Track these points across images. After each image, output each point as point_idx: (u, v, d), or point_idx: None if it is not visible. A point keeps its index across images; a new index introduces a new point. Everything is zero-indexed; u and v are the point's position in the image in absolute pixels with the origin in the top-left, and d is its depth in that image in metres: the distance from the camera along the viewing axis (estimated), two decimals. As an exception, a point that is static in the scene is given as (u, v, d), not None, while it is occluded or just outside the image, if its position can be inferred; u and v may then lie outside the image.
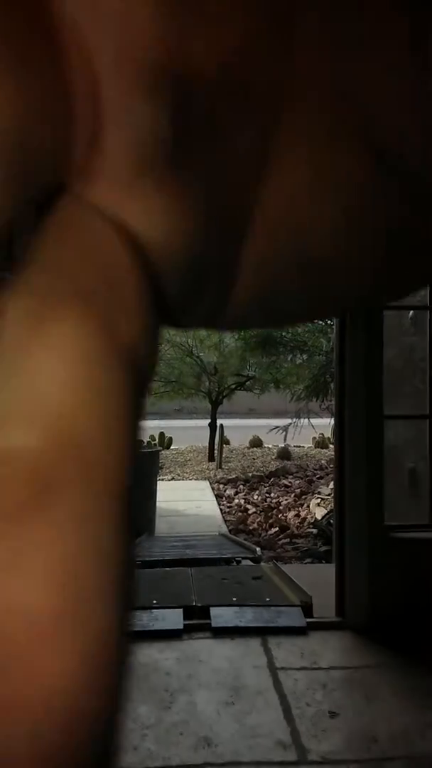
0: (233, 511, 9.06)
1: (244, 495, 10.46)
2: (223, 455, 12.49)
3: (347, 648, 2.37)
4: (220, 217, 0.12)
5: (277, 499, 10.05)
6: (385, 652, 2.31)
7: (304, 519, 8.43)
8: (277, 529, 8.06)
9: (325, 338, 8.25)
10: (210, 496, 10.11)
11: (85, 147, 0.10)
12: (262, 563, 3.68)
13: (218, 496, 10.19)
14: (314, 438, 14.06)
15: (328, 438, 14.44)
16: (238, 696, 1.99)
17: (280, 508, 9.31)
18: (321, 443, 14.30)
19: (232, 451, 13.93)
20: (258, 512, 9.09)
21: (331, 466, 13.56)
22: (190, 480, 11.54)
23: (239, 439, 15.36)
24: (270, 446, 15.03)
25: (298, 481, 11.55)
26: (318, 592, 2.83)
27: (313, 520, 8.22)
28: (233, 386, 13.39)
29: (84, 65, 0.10)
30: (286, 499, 9.95)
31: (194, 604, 2.63)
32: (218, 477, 11.54)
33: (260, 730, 1.80)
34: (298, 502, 9.66)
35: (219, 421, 13.16)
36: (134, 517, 0.10)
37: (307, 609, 2.64)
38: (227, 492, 10.60)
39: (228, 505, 9.61)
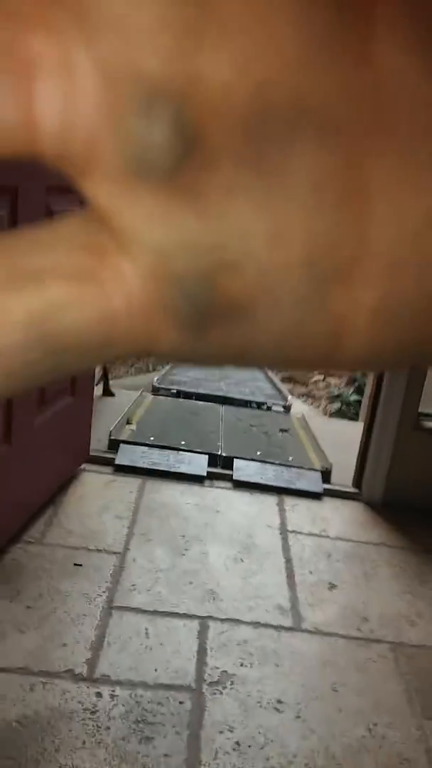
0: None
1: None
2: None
3: (357, 521, 2.48)
4: (294, 253, 0.11)
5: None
6: (392, 533, 2.42)
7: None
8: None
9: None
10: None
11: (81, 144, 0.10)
12: (291, 413, 3.75)
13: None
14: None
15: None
16: (248, 553, 2.14)
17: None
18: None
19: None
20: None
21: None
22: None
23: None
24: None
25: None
26: (339, 457, 2.92)
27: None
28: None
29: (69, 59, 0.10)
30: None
31: (220, 453, 2.74)
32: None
33: (263, 592, 1.95)
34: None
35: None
36: None
37: (326, 475, 2.73)
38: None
39: None
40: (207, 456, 2.70)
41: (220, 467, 2.70)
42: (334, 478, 2.73)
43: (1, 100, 0.10)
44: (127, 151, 0.10)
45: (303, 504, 2.54)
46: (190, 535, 2.20)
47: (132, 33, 0.09)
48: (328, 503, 2.58)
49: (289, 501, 2.54)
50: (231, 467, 2.68)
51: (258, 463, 2.72)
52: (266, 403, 3.91)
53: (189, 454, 2.70)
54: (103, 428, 2.76)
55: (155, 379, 4.07)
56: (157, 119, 0.10)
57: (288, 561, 2.14)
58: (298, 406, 6.03)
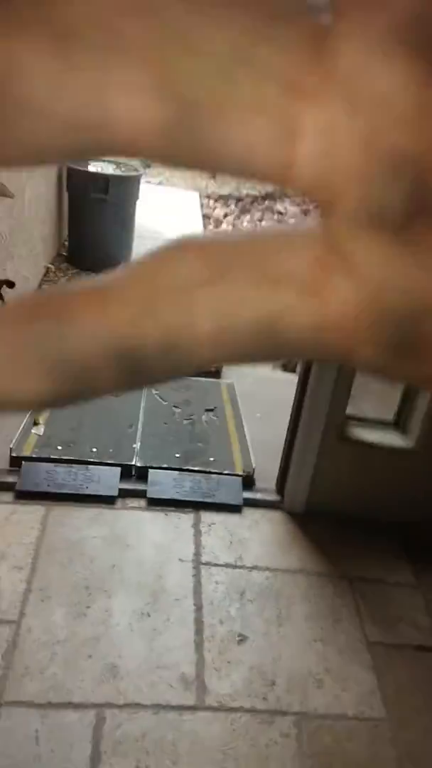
0: (217, 241, 8.68)
1: (234, 218, 9.94)
2: (220, 160, 11.49)
3: (277, 539, 2.38)
4: None
5: (265, 230, 9.62)
6: (312, 554, 2.33)
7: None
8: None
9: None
10: (197, 215, 9.59)
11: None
12: (221, 381, 3.55)
13: (206, 217, 9.68)
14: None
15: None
16: (156, 603, 2.03)
17: (267, 243, 8.95)
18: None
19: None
20: (243, 245, 8.75)
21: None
22: (180, 188, 10.79)
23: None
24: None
25: (293, 209, 10.95)
26: (267, 434, 2.79)
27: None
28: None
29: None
30: (275, 232, 9.54)
31: (134, 462, 2.56)
32: (210, 190, 10.80)
33: (167, 659, 1.86)
34: (287, 238, 9.28)
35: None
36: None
37: (248, 480, 2.60)
38: (216, 212, 10.04)
39: (214, 230, 9.16)
40: (120, 469, 2.52)
41: (135, 479, 2.53)
42: (260, 459, 2.61)
43: (272, 143, 0.12)
44: (369, 205, 0.12)
45: (221, 521, 2.41)
46: (95, 584, 2.06)
47: (393, 112, 0.12)
48: (248, 516, 2.47)
49: (207, 517, 2.41)
50: (146, 478, 2.52)
51: (176, 473, 2.55)
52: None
53: (100, 468, 2.51)
54: (3, 432, 2.54)
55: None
56: (399, 184, 0.12)
57: (198, 608, 2.04)
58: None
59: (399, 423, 2.49)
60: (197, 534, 2.33)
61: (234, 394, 3.37)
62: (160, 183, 10.84)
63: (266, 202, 10.99)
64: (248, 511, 2.49)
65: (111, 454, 2.60)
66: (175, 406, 3.13)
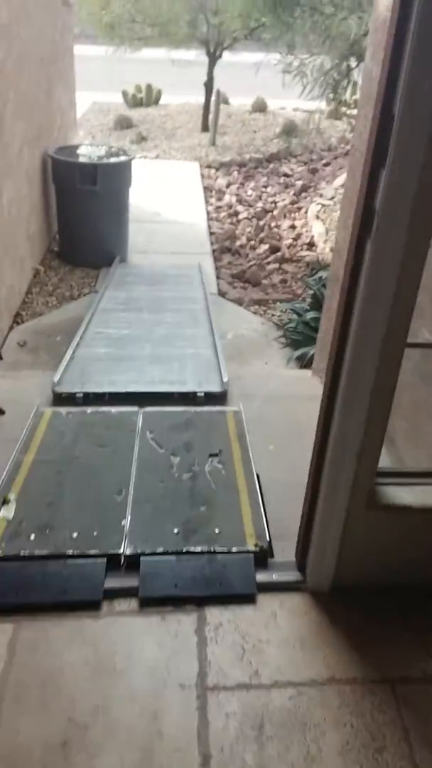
0: (221, 217, 8.09)
1: (237, 188, 9.30)
2: (219, 123, 10.79)
3: (300, 635, 1.93)
4: None
5: (273, 198, 8.97)
6: (343, 649, 1.88)
7: (299, 236, 7.55)
8: (267, 247, 7.26)
9: (357, 20, 6.18)
10: (198, 188, 8.97)
11: None
12: (226, 408, 3.07)
13: (207, 189, 9.06)
14: (328, 109, 12.05)
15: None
16: (151, 761, 1.61)
17: (275, 214, 8.32)
18: (334, 114, 12.39)
19: (230, 117, 12.11)
20: (249, 218, 8.14)
21: (342, 146, 11.94)
22: (178, 160, 10.14)
23: (241, 103, 13.23)
24: (276, 111, 13.08)
25: (300, 169, 10.25)
26: (285, 447, 2.34)
27: (308, 241, 7.37)
28: (238, 32, 10.81)
29: None
30: (283, 198, 8.88)
31: (122, 550, 2.12)
32: (210, 159, 10.13)
33: None
34: (296, 205, 8.62)
35: (216, 85, 11.03)
36: None
37: (262, 554, 2.15)
38: (218, 182, 9.40)
39: (217, 204, 8.57)
40: (105, 560, 2.08)
41: (124, 571, 2.09)
42: (275, 511, 2.15)
43: None
44: None
45: (230, 619, 1.97)
46: (75, 739, 1.64)
47: None
48: (264, 607, 2.02)
49: (213, 616, 1.97)
50: (137, 568, 2.08)
51: (173, 558, 2.11)
52: (196, 393, 3.20)
53: (81, 561, 2.08)
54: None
55: (56, 375, 3.30)
56: None
57: (205, 761, 1.61)
58: (245, 329, 5.29)
59: (441, 477, 2.00)
60: (201, 643, 1.89)
61: (242, 426, 2.90)
62: (156, 157, 10.21)
63: (271, 165, 10.29)
64: (264, 600, 2.04)
65: (95, 540, 2.16)
66: (173, 454, 2.67)
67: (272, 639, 1.91)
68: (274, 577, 2.08)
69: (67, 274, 6.13)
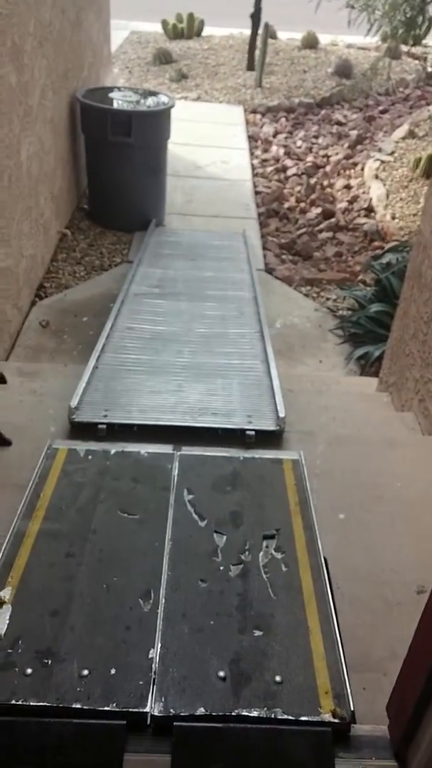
0: (268, 173, 7.27)
1: (285, 138, 8.41)
2: (266, 60, 9.77)
3: None
4: None
5: (325, 150, 8.09)
6: None
7: (355, 199, 6.73)
8: (319, 212, 6.47)
9: None
10: (242, 136, 8.10)
11: None
12: (282, 455, 2.43)
13: (252, 138, 8.18)
14: (386, 46, 10.90)
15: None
16: None
17: (327, 170, 7.46)
18: (393, 52, 11.22)
19: (278, 53, 11.05)
20: (299, 174, 7.31)
21: (402, 90, 10.82)
22: (221, 102, 9.20)
23: (289, 37, 12.04)
24: (328, 47, 11.92)
25: (355, 117, 9.29)
26: (360, 513, 1.73)
27: (366, 206, 6.55)
28: None
29: None
30: (336, 152, 8.01)
31: (148, 709, 1.53)
32: (256, 102, 9.18)
33: None
34: (351, 160, 7.75)
35: (264, 19, 9.93)
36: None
37: (343, 727, 1.54)
38: (264, 129, 8.51)
39: (263, 156, 7.72)
40: (125, 724, 1.50)
41: (150, 738, 1.51)
42: (354, 626, 1.55)
43: None
44: None
45: None
46: None
47: None
48: None
49: None
50: (168, 733, 1.50)
51: (218, 728, 1.51)
52: (245, 431, 2.56)
53: (92, 721, 1.50)
54: None
55: (74, 399, 2.67)
56: None
57: None
58: (296, 316, 4.58)
59: None
60: None
61: (303, 486, 2.27)
62: (198, 98, 9.24)
63: (322, 111, 9.28)
64: (346, 802, 1.44)
65: (111, 684, 1.57)
66: (217, 531, 2.05)
67: None
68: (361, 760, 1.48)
69: (98, 238, 5.44)
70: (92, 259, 5.14)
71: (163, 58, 10.30)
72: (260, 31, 9.88)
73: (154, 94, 5.65)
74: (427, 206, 3.14)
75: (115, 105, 5.21)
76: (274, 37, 11.45)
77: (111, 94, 5.44)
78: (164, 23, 11.65)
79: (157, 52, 10.36)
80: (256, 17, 10.08)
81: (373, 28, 6.43)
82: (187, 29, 11.68)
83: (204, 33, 11.90)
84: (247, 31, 10.50)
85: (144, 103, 5.36)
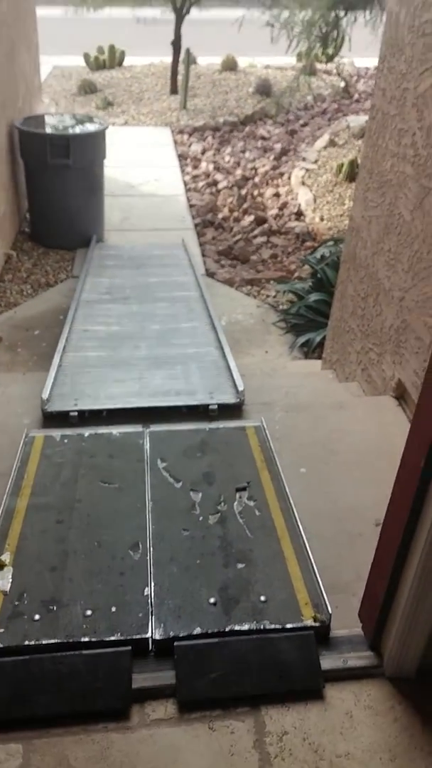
0: (200, 187, 7.54)
1: (213, 154, 8.74)
2: (189, 84, 10.13)
3: (389, 745, 1.54)
4: None
5: (252, 163, 8.44)
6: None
7: (285, 205, 7.06)
8: (252, 219, 6.77)
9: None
10: (171, 155, 8.38)
11: None
12: (245, 423, 2.64)
13: (182, 157, 8.47)
14: (302, 64, 11.46)
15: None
16: None
17: (256, 181, 7.80)
18: (308, 69, 11.76)
19: (199, 77, 11.44)
20: (230, 186, 7.62)
21: (319, 104, 11.35)
22: (148, 126, 9.49)
23: (209, 62, 12.49)
24: (247, 69, 12.41)
25: (278, 131, 9.70)
26: (320, 467, 1.94)
27: (295, 210, 6.89)
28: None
29: None
30: (263, 164, 8.36)
31: (149, 635, 1.69)
32: (182, 124, 9.50)
33: None
34: (278, 170, 8.11)
35: (185, 44, 10.31)
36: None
37: (323, 630, 1.74)
38: (192, 148, 8.81)
39: (194, 173, 8.00)
40: (130, 650, 1.65)
41: (153, 660, 1.67)
42: (323, 557, 1.74)
43: None
44: None
45: (296, 724, 1.57)
46: None
47: None
48: (335, 706, 1.61)
49: (273, 720, 1.57)
50: (170, 655, 1.66)
51: (214, 642, 1.69)
52: (209, 406, 2.76)
53: (100, 651, 1.65)
54: None
55: (45, 391, 2.81)
56: None
57: None
58: (239, 314, 4.84)
59: None
60: (265, 762, 1.49)
61: (267, 446, 2.48)
62: (125, 123, 9.51)
63: (246, 128, 9.69)
64: (333, 693, 1.64)
65: (114, 619, 1.73)
66: (193, 490, 2.24)
67: (353, 751, 1.51)
68: (341, 662, 1.68)
69: (41, 257, 5.58)
70: (38, 277, 5.27)
71: (88, 88, 10.55)
72: (181, 57, 10.26)
73: (87, 119, 5.87)
74: (356, 195, 3.43)
75: (52, 130, 5.41)
76: (194, 62, 11.87)
77: (47, 120, 5.63)
78: (86, 56, 11.94)
79: (81, 83, 10.61)
80: (176, 44, 10.47)
81: (291, 44, 6.83)
82: (109, 60, 12.00)
83: (126, 63, 12.24)
84: (168, 59, 10.88)
85: (78, 127, 5.57)
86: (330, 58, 11.64)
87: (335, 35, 6.33)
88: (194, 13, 10.54)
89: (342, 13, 6.22)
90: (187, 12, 10.32)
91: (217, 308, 4.75)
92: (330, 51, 7.08)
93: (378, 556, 1.67)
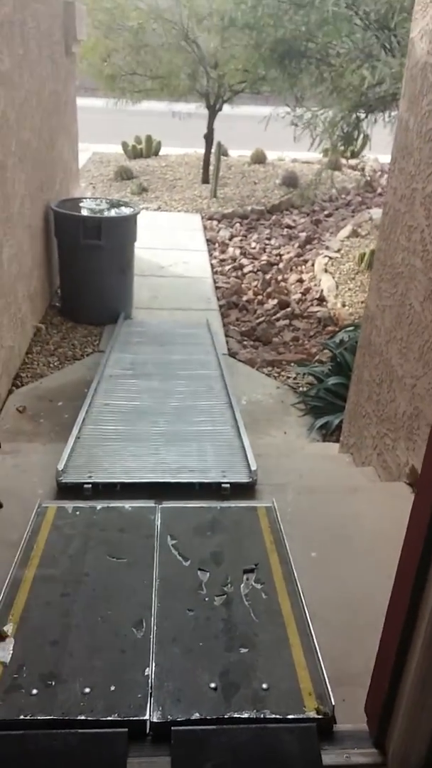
0: (226, 270, 7.80)
1: (240, 240, 9.07)
2: (220, 174, 10.63)
3: None
4: None
5: (277, 250, 8.73)
6: None
7: (308, 291, 7.26)
8: (276, 302, 6.95)
9: (370, 69, 6.01)
10: (200, 240, 8.71)
11: None
12: (257, 504, 2.65)
13: (210, 241, 8.80)
14: (328, 159, 12.00)
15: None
16: None
17: (280, 267, 8.06)
18: (334, 164, 12.30)
19: (230, 168, 12.00)
20: (255, 271, 7.87)
21: (343, 196, 11.80)
22: (180, 212, 9.93)
23: (239, 155, 13.16)
24: (275, 162, 13.03)
25: (303, 221, 10.07)
26: (331, 554, 1.90)
27: (318, 296, 7.07)
28: (238, 85, 10.71)
29: None
30: (287, 251, 8.64)
31: (147, 717, 1.66)
32: (212, 211, 9.93)
33: None
34: (302, 258, 8.37)
35: (216, 137, 10.91)
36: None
37: (326, 724, 1.69)
38: (221, 234, 9.17)
39: (221, 257, 8.30)
40: (126, 730, 1.62)
41: (150, 744, 1.63)
42: (330, 647, 1.69)
43: None
44: None
45: None
46: None
47: None
48: (333, 800, 1.56)
49: None
50: (167, 738, 1.62)
51: (213, 729, 1.65)
52: (221, 485, 2.79)
53: (96, 731, 1.62)
54: None
55: (60, 462, 2.87)
56: None
57: None
58: (259, 394, 4.91)
59: None
60: None
61: (277, 528, 2.48)
62: (158, 208, 9.98)
63: (273, 217, 10.09)
64: (332, 789, 1.58)
65: (112, 698, 1.70)
66: (200, 569, 2.23)
67: None
68: (346, 758, 1.62)
69: (70, 331, 5.77)
70: (65, 350, 5.43)
71: (125, 174, 11.15)
72: (213, 149, 10.84)
73: (121, 203, 6.20)
74: (371, 284, 3.55)
75: (86, 212, 5.71)
76: (225, 154, 12.52)
77: (81, 204, 5.96)
78: (124, 144, 12.68)
79: (118, 169, 11.23)
80: (209, 137, 11.09)
81: (315, 142, 7.20)
82: (146, 149, 12.72)
83: (161, 153, 12.96)
84: (201, 150, 11.50)
85: (113, 210, 5.88)
86: (354, 155, 12.22)
87: (356, 135, 6.66)
88: (226, 109, 11.21)
89: (363, 115, 6.58)
90: (220, 108, 10.98)
91: (238, 388, 4.83)
92: (353, 149, 7.43)
93: (381, 647, 1.64)
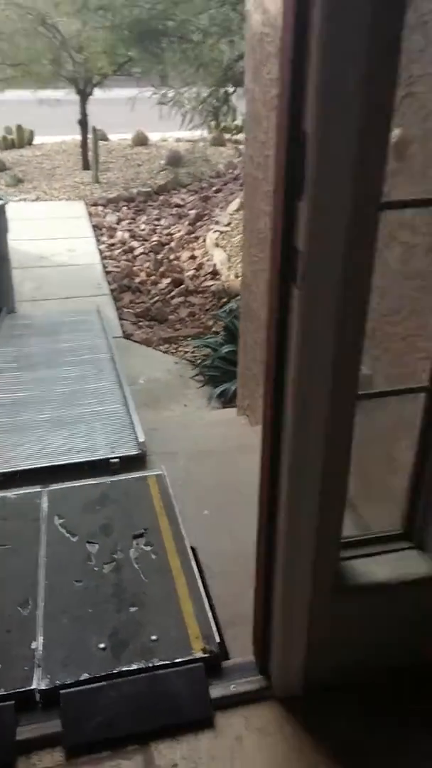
0: (116, 255, 7.72)
1: (128, 223, 8.98)
2: (100, 160, 10.48)
3: (279, 765, 1.55)
4: None
5: (168, 230, 8.71)
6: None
7: (201, 266, 7.30)
8: (169, 281, 6.95)
9: (228, 44, 6.05)
10: (86, 226, 8.57)
11: None
12: (147, 473, 2.68)
13: (96, 227, 8.67)
14: (212, 136, 12.04)
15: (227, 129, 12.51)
16: None
17: (172, 246, 8.05)
18: (218, 140, 12.38)
19: (110, 152, 11.84)
20: (146, 252, 7.83)
21: (231, 171, 11.90)
22: (61, 200, 9.73)
23: (120, 138, 12.99)
24: (158, 143, 12.96)
25: (192, 198, 10.08)
26: (224, 509, 1.97)
27: (211, 270, 7.13)
28: (106, 68, 10.53)
29: None
30: (178, 230, 8.64)
31: (34, 686, 1.67)
32: (96, 196, 9.78)
33: None
34: (193, 235, 8.40)
35: (92, 122, 10.71)
36: None
37: (214, 660, 1.76)
38: (108, 219, 9.05)
39: (109, 242, 8.20)
40: (13, 703, 1.63)
41: (41, 711, 1.65)
42: (223, 592, 1.76)
43: None
44: None
45: (185, 755, 1.56)
46: None
47: None
48: (225, 732, 1.62)
49: (163, 754, 1.56)
50: (58, 703, 1.64)
51: (102, 686, 1.68)
52: (109, 460, 2.79)
53: (-16, 712, 1.62)
54: None
55: None
56: None
57: None
58: (157, 371, 4.93)
59: (411, 533, 1.69)
60: (154, 800, 1.48)
61: (168, 493, 2.52)
62: (37, 199, 9.74)
63: (161, 197, 10.06)
64: (224, 720, 1.64)
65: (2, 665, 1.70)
66: (89, 542, 2.24)
67: (241, 775, 1.52)
68: (233, 688, 1.69)
69: None
70: None
71: (-2, 167, 10.81)
72: (90, 135, 10.66)
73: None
74: (243, 251, 3.62)
75: None
76: (105, 138, 12.35)
77: None
78: (-7, 136, 12.28)
79: (-10, 163, 10.87)
80: (83, 122, 10.89)
81: (185, 120, 7.22)
82: (18, 140, 12.35)
83: (35, 142, 12.62)
84: (78, 137, 11.28)
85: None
86: (240, 130, 12.30)
87: (225, 109, 6.73)
88: (99, 93, 11.04)
89: (231, 89, 6.65)
90: (90, 93, 10.79)
91: (135, 368, 4.83)
92: (237, 124, 7.50)
93: (256, 579, 1.72)
